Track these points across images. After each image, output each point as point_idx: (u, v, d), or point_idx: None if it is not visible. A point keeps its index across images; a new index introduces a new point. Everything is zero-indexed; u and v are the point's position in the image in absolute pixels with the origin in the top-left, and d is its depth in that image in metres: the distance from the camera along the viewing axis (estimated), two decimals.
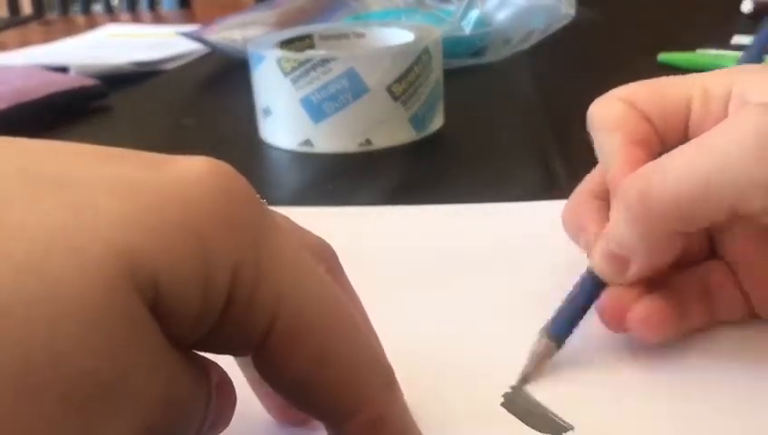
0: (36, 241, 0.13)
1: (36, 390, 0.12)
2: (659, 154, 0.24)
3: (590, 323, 0.26)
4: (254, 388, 0.22)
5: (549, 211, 0.36)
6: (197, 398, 0.16)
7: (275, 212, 0.18)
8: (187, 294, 0.14)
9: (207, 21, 0.79)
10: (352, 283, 0.22)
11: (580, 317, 0.26)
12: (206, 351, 0.16)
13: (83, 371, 0.13)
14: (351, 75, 0.46)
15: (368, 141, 0.48)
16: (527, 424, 0.23)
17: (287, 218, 0.20)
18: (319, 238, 0.21)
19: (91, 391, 0.13)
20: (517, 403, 0.24)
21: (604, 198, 0.28)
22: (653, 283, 0.26)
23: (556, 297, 0.29)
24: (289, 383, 0.17)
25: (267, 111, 0.49)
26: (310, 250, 0.18)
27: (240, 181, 0.16)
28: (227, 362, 0.19)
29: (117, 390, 0.13)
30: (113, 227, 0.14)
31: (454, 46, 0.64)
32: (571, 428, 0.22)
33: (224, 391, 0.18)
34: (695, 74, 0.27)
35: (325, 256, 0.21)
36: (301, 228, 0.20)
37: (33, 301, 0.12)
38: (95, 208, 0.14)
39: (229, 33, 0.74)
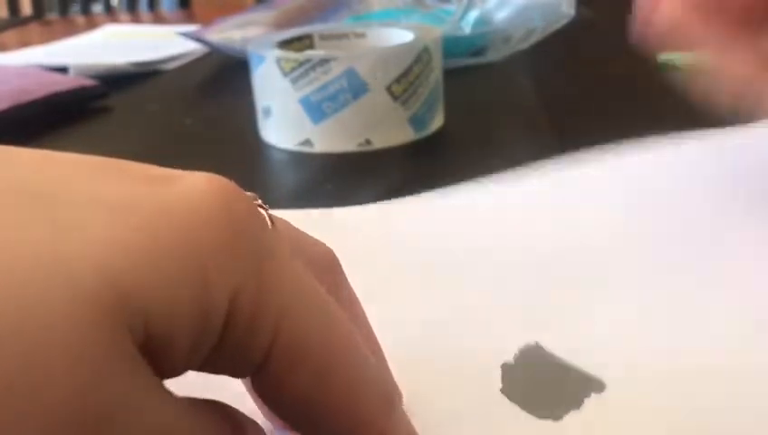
0: (18, 262, 0.12)
1: (13, 422, 0.12)
2: None
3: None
4: (255, 399, 0.22)
5: (549, 211, 0.36)
6: None
7: (277, 219, 0.18)
8: (183, 326, 0.14)
9: (207, 21, 0.79)
10: (352, 283, 0.22)
11: None
12: (203, 371, 0.16)
13: (61, 404, 0.12)
14: (351, 75, 0.46)
15: (367, 141, 0.48)
16: (528, 411, 0.23)
17: (288, 224, 0.19)
18: (321, 245, 0.21)
19: (70, 427, 0.12)
20: (516, 389, 0.24)
21: None
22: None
23: (555, 295, 0.29)
24: (288, 405, 0.16)
25: (267, 111, 0.49)
26: (312, 261, 0.18)
27: (242, 199, 0.16)
28: None
29: (97, 427, 0.12)
30: (103, 251, 0.13)
31: (454, 46, 0.64)
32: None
33: None
34: None
35: (328, 265, 0.21)
36: (303, 236, 0.20)
37: (9, 328, 0.12)
38: (85, 230, 0.13)
39: (229, 33, 0.74)
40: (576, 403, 0.23)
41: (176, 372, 0.15)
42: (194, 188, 0.15)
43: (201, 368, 0.16)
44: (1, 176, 0.14)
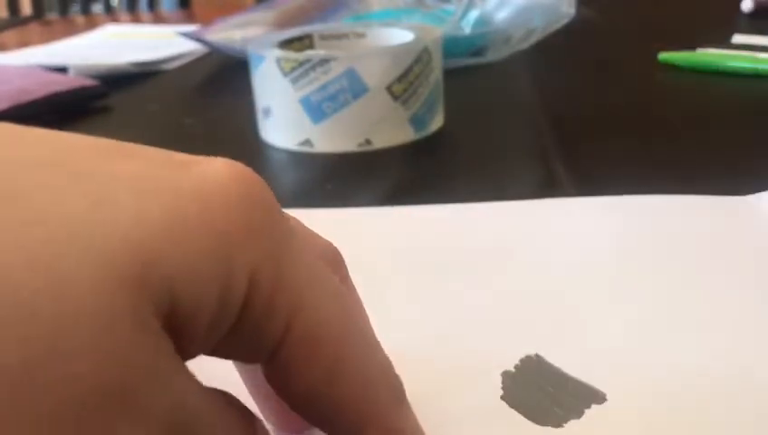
0: (53, 234, 0.12)
1: (35, 387, 0.12)
2: None
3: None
4: (252, 394, 0.22)
5: (549, 211, 0.36)
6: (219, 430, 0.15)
7: (289, 215, 0.18)
8: (205, 303, 0.14)
9: (207, 21, 0.79)
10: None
11: None
12: (216, 356, 0.16)
13: (85, 373, 0.12)
14: (351, 75, 0.46)
15: (367, 141, 0.48)
16: (528, 418, 0.23)
17: (298, 221, 0.19)
18: (328, 243, 0.21)
19: (92, 396, 0.12)
20: (517, 396, 0.24)
21: None
22: None
23: (555, 296, 0.29)
24: (299, 395, 0.16)
25: (267, 111, 0.49)
26: (322, 257, 0.18)
27: (261, 185, 0.16)
28: (227, 369, 0.18)
29: (119, 400, 0.12)
30: (132, 223, 0.13)
31: (454, 46, 0.64)
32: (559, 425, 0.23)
33: None
34: None
35: (335, 261, 0.21)
36: (311, 232, 0.20)
37: (38, 294, 0.12)
38: (116, 204, 0.13)
39: (229, 33, 0.74)
40: (577, 414, 0.23)
41: (192, 353, 0.15)
42: (214, 171, 0.15)
43: (215, 351, 0.16)
44: (41, 154, 0.14)
